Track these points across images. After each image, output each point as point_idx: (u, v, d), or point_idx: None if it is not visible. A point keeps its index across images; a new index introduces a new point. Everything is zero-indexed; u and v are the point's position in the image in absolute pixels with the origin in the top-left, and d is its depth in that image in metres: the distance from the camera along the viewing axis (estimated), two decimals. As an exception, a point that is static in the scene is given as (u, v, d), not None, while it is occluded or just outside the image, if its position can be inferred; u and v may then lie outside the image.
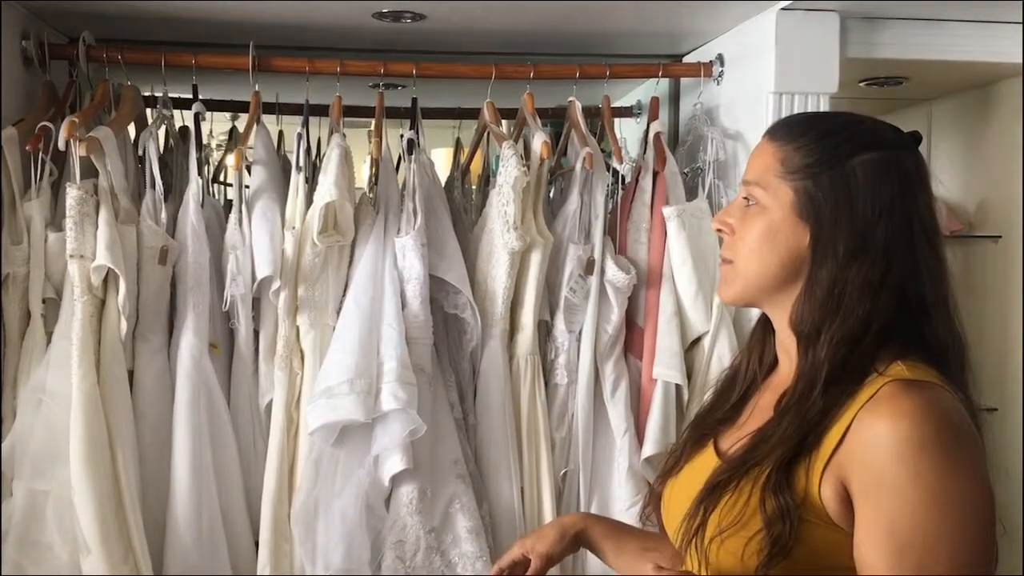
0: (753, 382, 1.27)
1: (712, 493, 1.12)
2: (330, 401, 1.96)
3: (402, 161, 2.29)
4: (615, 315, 2.17)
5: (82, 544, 1.85)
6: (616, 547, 1.40)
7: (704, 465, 1.21)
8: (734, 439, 1.19)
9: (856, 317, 1.09)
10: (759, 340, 1.29)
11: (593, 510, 2.13)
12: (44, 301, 1.98)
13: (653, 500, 1.33)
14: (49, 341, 1.97)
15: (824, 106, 2.09)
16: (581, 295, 2.18)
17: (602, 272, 2.17)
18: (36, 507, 1.89)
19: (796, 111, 2.06)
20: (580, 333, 2.18)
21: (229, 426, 2.06)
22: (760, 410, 1.20)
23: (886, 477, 1.00)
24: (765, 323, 1.27)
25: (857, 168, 1.12)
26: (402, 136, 2.49)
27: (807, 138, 1.16)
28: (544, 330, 2.22)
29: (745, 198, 1.20)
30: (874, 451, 1.01)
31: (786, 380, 1.17)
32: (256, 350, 2.10)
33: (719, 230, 1.23)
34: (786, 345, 1.20)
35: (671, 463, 1.29)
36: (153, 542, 1.95)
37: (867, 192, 1.11)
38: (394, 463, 1.96)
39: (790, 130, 1.19)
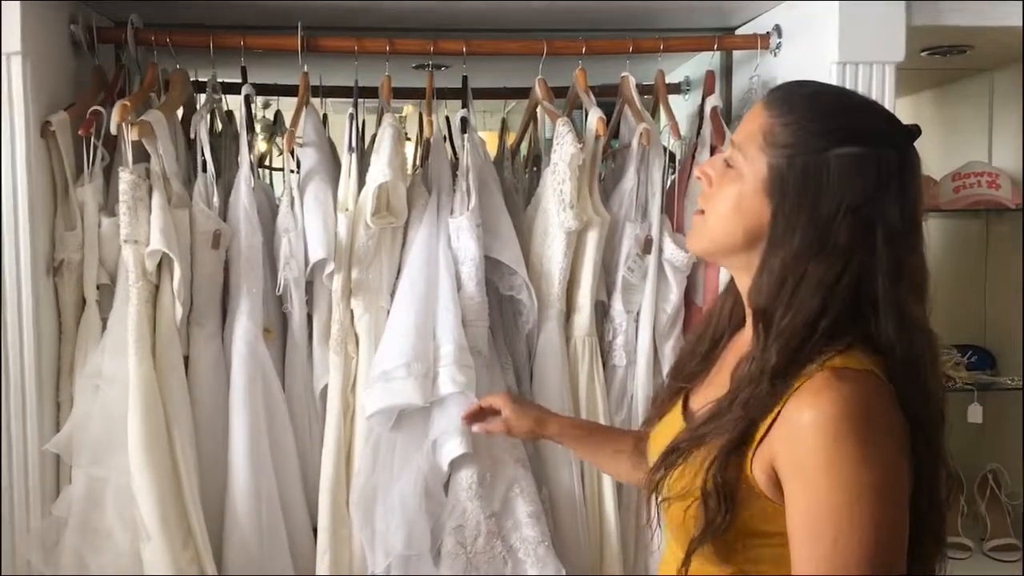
0: (723, 335, 1.31)
1: (669, 457, 1.17)
2: (387, 385, 1.93)
3: (447, 141, 2.26)
4: (674, 294, 2.13)
5: (142, 530, 1.84)
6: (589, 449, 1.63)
7: (673, 421, 1.29)
8: (701, 399, 1.25)
9: (807, 313, 1.09)
10: (731, 294, 1.31)
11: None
12: (99, 287, 1.97)
13: (642, 442, 1.41)
14: (104, 327, 1.96)
15: (890, 75, 2.02)
16: (639, 274, 2.13)
17: (660, 251, 2.13)
18: (95, 494, 1.89)
19: (861, 82, 2.00)
20: (638, 313, 2.14)
21: (285, 411, 2.04)
22: (724, 368, 1.24)
23: (805, 464, 1.03)
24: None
25: (833, 161, 1.10)
26: (448, 118, 2.46)
27: (795, 115, 1.14)
28: (601, 311, 2.17)
29: (726, 158, 1.20)
30: (796, 438, 1.04)
31: (747, 343, 1.20)
32: (310, 334, 2.08)
33: (699, 178, 1.24)
34: (744, 299, 1.23)
35: (653, 411, 1.36)
36: (212, 528, 1.94)
37: (837, 188, 1.10)
38: (453, 447, 1.93)
39: (785, 101, 1.17)
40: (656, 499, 1.20)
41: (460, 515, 1.94)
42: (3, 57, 1.82)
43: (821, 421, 1.02)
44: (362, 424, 2.00)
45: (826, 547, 1.02)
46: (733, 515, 1.10)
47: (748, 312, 1.22)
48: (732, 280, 1.30)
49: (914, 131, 1.15)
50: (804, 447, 1.03)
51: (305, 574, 1.99)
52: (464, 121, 2.11)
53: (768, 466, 1.08)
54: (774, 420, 1.08)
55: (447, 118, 2.48)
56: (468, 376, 1.94)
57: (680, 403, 1.31)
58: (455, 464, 1.95)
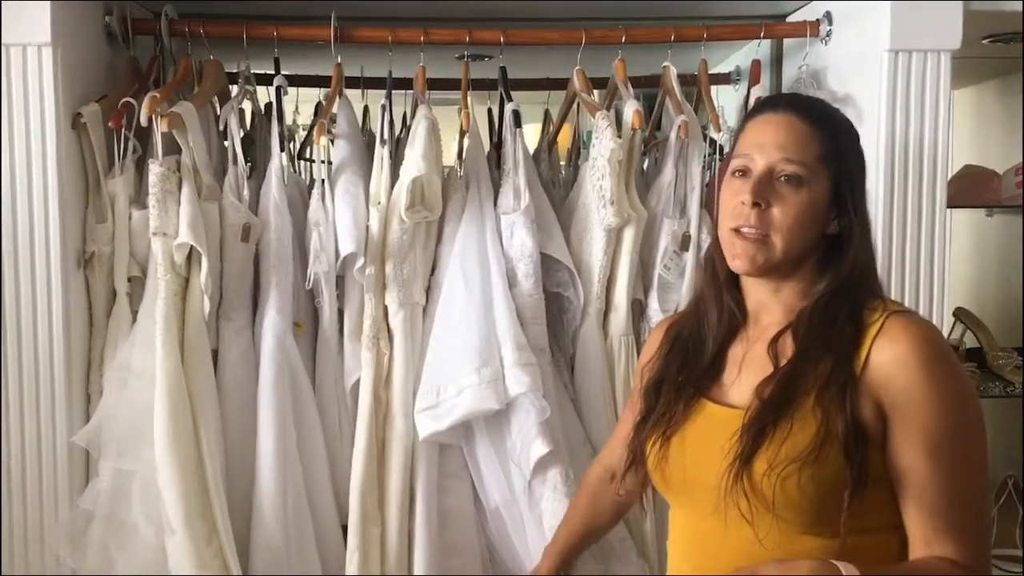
0: (726, 338, 1.36)
1: (759, 436, 1.20)
2: (458, 398, 1.90)
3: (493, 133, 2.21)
4: (712, 293, 2.05)
5: (167, 525, 1.83)
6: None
7: (713, 417, 1.30)
8: (737, 392, 1.30)
9: (857, 268, 1.27)
10: (717, 299, 1.37)
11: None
12: (129, 279, 1.96)
13: (639, 458, 1.38)
14: (135, 320, 1.95)
15: (945, 64, 1.91)
16: (676, 272, 2.06)
17: (698, 248, 2.05)
18: (122, 487, 1.88)
19: (914, 70, 1.90)
20: (675, 312, 2.07)
21: (314, 407, 2.00)
22: (755, 359, 1.30)
23: (916, 391, 1.17)
24: (726, 283, 1.36)
25: (860, 149, 1.31)
26: (489, 109, 2.41)
27: (830, 122, 1.30)
28: (638, 309, 2.11)
29: (785, 175, 1.25)
30: (902, 370, 1.18)
31: (759, 337, 1.31)
32: (341, 329, 2.04)
33: (756, 203, 1.25)
34: (766, 302, 1.32)
35: (662, 423, 1.34)
36: (238, 524, 1.91)
37: (863, 168, 1.32)
38: (538, 448, 1.88)
39: (812, 111, 1.30)
40: (748, 483, 1.19)
41: (551, 516, 1.89)
42: (34, 48, 1.82)
43: (922, 349, 1.18)
44: (400, 425, 1.97)
45: (945, 461, 1.16)
46: (863, 456, 1.17)
47: (761, 307, 1.33)
48: (713, 287, 1.38)
49: None
50: (913, 377, 1.17)
51: (334, 574, 1.96)
52: (516, 114, 2.05)
53: (873, 403, 1.19)
54: (864, 361, 1.20)
55: (488, 110, 2.43)
56: (532, 375, 1.91)
57: (707, 403, 1.32)
58: (540, 464, 1.90)
